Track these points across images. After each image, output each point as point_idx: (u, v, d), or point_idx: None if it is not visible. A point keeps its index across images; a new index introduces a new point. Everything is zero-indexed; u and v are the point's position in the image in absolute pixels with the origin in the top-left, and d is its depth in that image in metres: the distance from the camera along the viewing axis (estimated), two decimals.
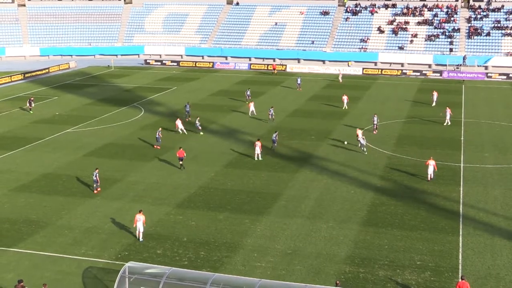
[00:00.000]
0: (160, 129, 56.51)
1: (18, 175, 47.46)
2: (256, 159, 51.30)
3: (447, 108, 65.20)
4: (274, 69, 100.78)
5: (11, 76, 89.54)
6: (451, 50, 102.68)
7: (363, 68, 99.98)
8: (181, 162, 48.99)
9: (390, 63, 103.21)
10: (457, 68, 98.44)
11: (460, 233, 37.31)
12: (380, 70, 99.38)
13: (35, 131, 60.86)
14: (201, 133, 59.95)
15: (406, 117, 67.61)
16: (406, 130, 61.84)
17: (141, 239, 36.09)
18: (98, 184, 43.97)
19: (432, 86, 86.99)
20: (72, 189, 44.64)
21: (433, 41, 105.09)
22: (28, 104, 69.63)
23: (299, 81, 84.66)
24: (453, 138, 58.67)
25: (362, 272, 32.50)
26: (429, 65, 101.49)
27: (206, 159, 51.84)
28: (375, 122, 60.45)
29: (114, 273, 31.06)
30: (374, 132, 60.33)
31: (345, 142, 55.93)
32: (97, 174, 43.88)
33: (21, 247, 35.20)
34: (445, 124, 63.39)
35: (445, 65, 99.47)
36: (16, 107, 71.14)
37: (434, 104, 72.76)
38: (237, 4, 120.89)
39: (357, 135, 54.44)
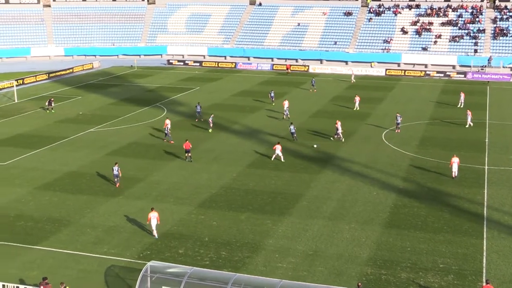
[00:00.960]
0: (168, 122, 57.85)
1: (43, 173, 47.93)
2: (272, 159, 51.27)
3: (468, 110, 64.43)
4: (287, 69, 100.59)
5: (36, 76, 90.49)
6: (475, 51, 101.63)
7: (386, 69, 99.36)
8: (187, 154, 50.07)
9: (414, 64, 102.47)
10: (482, 69, 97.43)
11: (484, 236, 36.89)
12: (403, 71, 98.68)
13: (59, 130, 61.44)
14: (210, 130, 60.38)
15: (429, 118, 67.07)
16: (429, 131, 61.33)
17: (156, 235, 36.29)
18: (119, 178, 44.73)
19: (456, 87, 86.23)
20: (95, 188, 44.97)
21: (457, 42, 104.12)
22: (47, 104, 70.44)
23: (313, 82, 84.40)
24: (478, 140, 58.06)
25: (384, 274, 32.29)
26: (453, 66, 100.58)
27: (228, 159, 51.90)
28: (398, 121, 60.21)
29: (136, 272, 31.22)
30: (397, 131, 60.10)
31: (315, 146, 55.54)
32: (118, 169, 44.62)
33: (45, 245, 35.54)
34: (467, 126, 62.73)
35: (470, 66, 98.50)
36: (40, 106, 71.83)
37: (460, 105, 72.03)
38: (260, 4, 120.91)
39: (337, 127, 57.29)
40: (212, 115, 62.35)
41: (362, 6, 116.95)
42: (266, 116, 67.53)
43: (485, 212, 40.54)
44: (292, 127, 57.13)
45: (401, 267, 33.01)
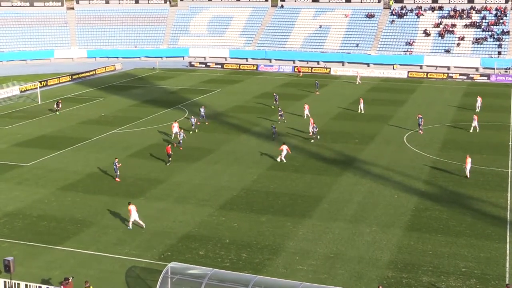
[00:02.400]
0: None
1: (66, 174, 48.39)
2: (279, 160, 51.31)
3: (475, 115, 62.97)
4: (299, 71, 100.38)
5: (59, 77, 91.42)
6: (499, 53, 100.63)
7: (408, 71, 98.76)
8: (169, 158, 50.78)
9: (436, 66, 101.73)
10: (506, 71, 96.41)
11: (507, 240, 36.49)
12: (425, 74, 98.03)
13: (82, 131, 61.98)
14: (207, 123, 63.28)
15: (451, 121, 66.52)
16: (452, 134, 60.84)
17: (130, 227, 37.98)
18: (118, 173, 46.84)
19: (479, 90, 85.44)
20: (116, 189, 45.29)
21: (481, 44, 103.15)
22: (55, 106, 71.22)
23: (317, 84, 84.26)
24: (501, 143, 57.45)
25: (405, 277, 32.08)
26: (476, 69, 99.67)
27: (249, 161, 51.95)
28: (420, 123, 59.97)
29: (156, 273, 31.38)
30: (420, 132, 59.80)
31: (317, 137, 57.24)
32: (117, 163, 46.79)
33: (67, 245, 35.86)
34: (471, 130, 61.51)
35: (493, 68, 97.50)
36: (64, 108, 72.46)
37: (478, 109, 70.84)
38: (282, 6, 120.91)
39: (313, 124, 58.67)
40: (204, 106, 63.64)
41: (384, 8, 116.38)
42: (287, 118, 67.36)
43: (508, 216, 40.09)
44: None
45: (422, 270, 32.78)
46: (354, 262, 33.66)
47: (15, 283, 29.96)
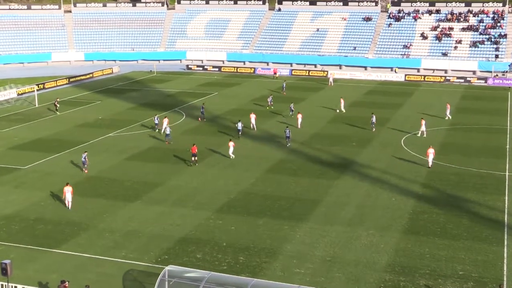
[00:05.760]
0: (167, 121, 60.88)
1: (63, 177, 48.26)
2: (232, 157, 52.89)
3: (422, 120, 62.12)
4: (275, 73, 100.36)
5: (56, 80, 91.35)
6: (497, 56, 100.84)
7: (406, 75, 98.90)
8: (193, 158, 51.39)
9: (433, 70, 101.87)
10: (503, 74, 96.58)
11: (505, 243, 36.48)
12: (423, 77, 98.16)
13: (78, 134, 61.90)
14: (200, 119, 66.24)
15: (449, 124, 66.58)
16: (449, 137, 60.89)
17: (70, 208, 41.51)
18: (86, 166, 49.45)
19: (477, 93, 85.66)
20: (114, 192, 45.23)
21: (478, 47, 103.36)
22: (55, 105, 72.43)
23: (284, 85, 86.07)
24: (499, 146, 57.51)
25: (402, 280, 32.06)
26: (474, 72, 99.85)
27: (246, 164, 51.92)
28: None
29: (154, 276, 31.29)
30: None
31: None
32: (86, 156, 49.44)
33: (64, 248, 35.79)
34: (418, 135, 60.86)
35: (491, 71, 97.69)
36: (61, 111, 72.40)
37: (448, 117, 68.67)
38: (279, 10, 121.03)
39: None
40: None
41: (381, 11, 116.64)
42: (284, 121, 67.38)
43: (505, 219, 40.10)
44: (287, 130, 57.76)
45: (420, 274, 32.76)
46: (352, 266, 33.63)
47: (12, 287, 29.86)
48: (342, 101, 73.41)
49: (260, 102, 78.02)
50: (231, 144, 53.02)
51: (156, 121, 63.59)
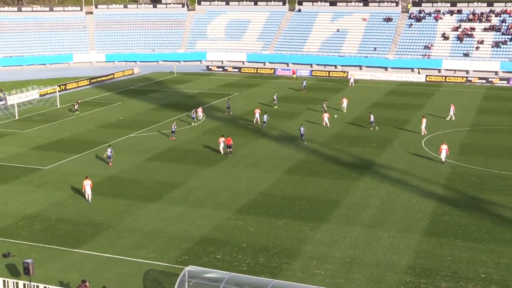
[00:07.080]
0: (174, 122, 63.27)
1: (84, 177, 48.51)
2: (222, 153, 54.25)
3: (423, 118, 62.73)
4: (293, 73, 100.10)
5: (77, 81, 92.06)
6: None
7: (427, 75, 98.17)
8: (229, 150, 53.75)
9: (455, 70, 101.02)
10: None
11: None
12: (444, 77, 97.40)
13: (100, 135, 62.33)
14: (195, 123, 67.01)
15: (470, 125, 65.99)
16: (470, 138, 60.35)
17: (90, 201, 42.92)
18: (111, 159, 51.27)
19: (499, 94, 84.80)
20: (134, 192, 45.47)
21: (500, 47, 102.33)
22: (75, 106, 73.02)
23: (304, 84, 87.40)
24: None
25: (423, 282, 31.84)
26: (496, 72, 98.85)
27: (267, 165, 51.91)
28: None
29: (174, 276, 31.42)
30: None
31: (335, 116, 58.24)
32: (112, 151, 51.40)
33: (85, 248, 36.06)
34: (422, 134, 61.07)
35: None
36: (82, 111, 72.98)
37: (451, 117, 67.80)
38: (299, 10, 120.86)
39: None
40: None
41: (402, 11, 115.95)
42: (305, 122, 67.23)
43: None
44: (302, 128, 58.86)
45: (441, 276, 32.51)
46: (372, 267, 33.47)
47: (34, 286, 30.16)
48: (345, 100, 73.34)
49: (280, 102, 77.82)
50: (221, 140, 54.71)
51: (193, 116, 67.50)
